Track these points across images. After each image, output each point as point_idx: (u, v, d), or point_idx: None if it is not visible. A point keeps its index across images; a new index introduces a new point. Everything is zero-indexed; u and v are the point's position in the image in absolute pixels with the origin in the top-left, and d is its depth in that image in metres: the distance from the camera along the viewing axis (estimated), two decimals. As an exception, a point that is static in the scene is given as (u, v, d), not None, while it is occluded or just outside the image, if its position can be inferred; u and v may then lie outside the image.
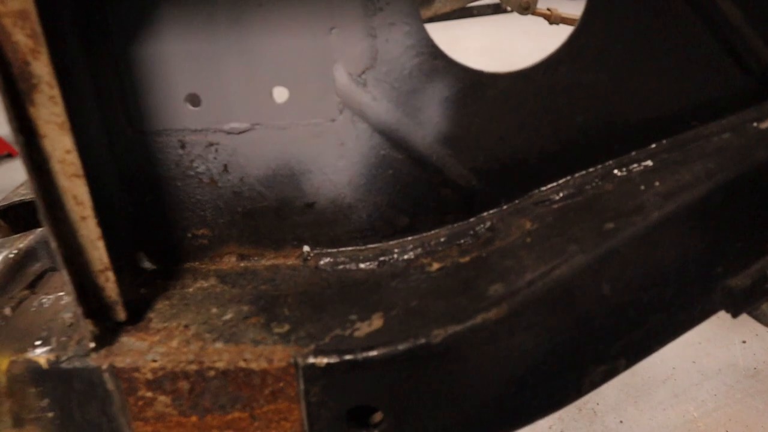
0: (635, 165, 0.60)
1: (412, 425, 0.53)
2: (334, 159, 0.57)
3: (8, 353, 0.53)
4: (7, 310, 0.57)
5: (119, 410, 0.53)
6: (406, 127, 0.56)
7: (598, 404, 1.97)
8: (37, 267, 0.61)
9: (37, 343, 0.53)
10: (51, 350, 0.52)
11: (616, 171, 0.60)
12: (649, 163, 0.60)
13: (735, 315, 0.61)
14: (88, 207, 0.48)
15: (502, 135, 0.58)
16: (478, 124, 0.57)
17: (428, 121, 0.56)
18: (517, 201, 0.60)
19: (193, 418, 0.53)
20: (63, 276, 0.48)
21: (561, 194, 0.60)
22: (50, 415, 0.53)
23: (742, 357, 2.09)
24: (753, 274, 0.61)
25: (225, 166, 0.57)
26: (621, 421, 1.92)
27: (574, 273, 0.52)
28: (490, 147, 0.58)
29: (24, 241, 0.62)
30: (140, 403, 0.52)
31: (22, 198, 0.73)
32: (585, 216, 0.56)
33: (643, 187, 0.58)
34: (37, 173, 0.45)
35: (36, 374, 0.52)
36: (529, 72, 0.55)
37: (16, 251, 0.61)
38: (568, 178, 0.60)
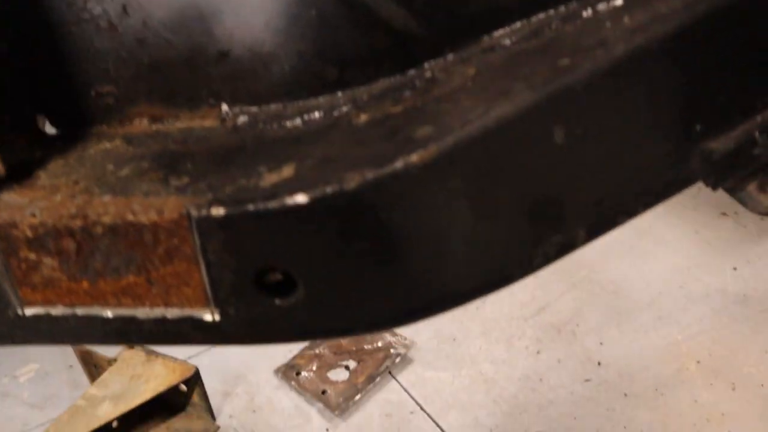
0: (602, 3, 0.51)
1: (329, 293, 0.46)
2: (247, -5, 0.49)
3: None
4: None
5: (1, 274, 0.47)
6: (328, -46, 0.48)
7: (578, 325, 1.92)
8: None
9: None
10: None
11: (581, 11, 0.51)
12: (619, 1, 0.51)
13: (714, 186, 0.53)
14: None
15: (441, -35, 0.49)
16: (413, -49, 0.48)
17: (355, -52, 0.48)
18: (463, 49, 0.52)
19: (84, 284, 0.47)
20: None
21: (514, 39, 0.51)
22: (-71, 282, 0.48)
23: (732, 283, 2.01)
24: (738, 137, 0.52)
25: (124, 6, 0.50)
26: (601, 343, 1.86)
27: (518, 112, 0.44)
28: (429, -19, 0.50)
29: None
30: (23, 266, 0.46)
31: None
32: (538, 57, 0.48)
33: (609, 24, 0.49)
34: None
35: None
36: None
37: None
38: (524, 21, 0.52)
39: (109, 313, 0.48)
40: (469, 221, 0.46)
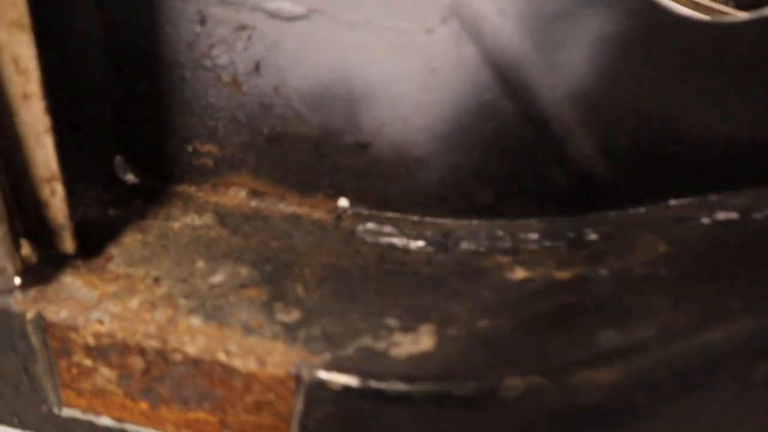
0: (829, 196, 0.42)
1: (439, 487, 0.38)
2: (416, 89, 0.39)
3: None
4: None
5: (44, 373, 0.38)
6: (533, 66, 0.38)
7: None
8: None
9: (-52, 256, 0.37)
10: (-38, 272, 0.37)
11: (798, 198, 0.42)
12: None
13: None
14: (35, 80, 0.31)
15: (663, 111, 0.39)
16: (636, 88, 0.38)
17: (566, 67, 0.38)
18: (648, 209, 0.43)
19: (143, 405, 0.38)
20: (-19, 178, 0.32)
21: (715, 216, 0.42)
22: (-47, 354, 0.39)
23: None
24: None
25: (257, 64, 0.39)
26: None
27: (730, 343, 0.35)
28: (639, 125, 0.40)
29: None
30: (74, 370, 0.37)
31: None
32: (754, 258, 0.39)
33: (842, 232, 0.40)
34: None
35: (-64, 301, 0.37)
36: (739, 27, 0.36)
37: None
38: (727, 194, 0.42)
39: (163, 442, 0.39)
40: (623, 438, 0.37)
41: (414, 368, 0.34)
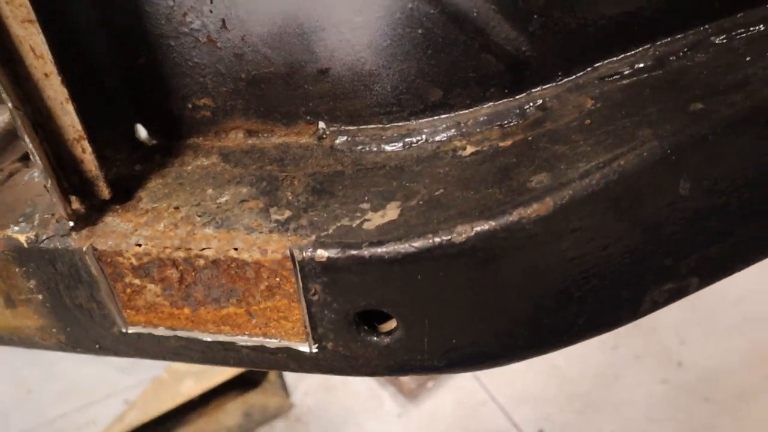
0: (741, 31, 0.46)
1: (430, 336, 0.45)
2: (350, 13, 0.46)
3: (-11, 228, 0.48)
4: (-5, 182, 0.52)
5: (107, 296, 0.48)
6: (441, -28, 0.44)
7: (658, 322, 1.83)
8: (29, 137, 0.56)
9: (20, 219, 0.48)
10: (32, 228, 0.47)
11: (713, 38, 0.47)
12: (762, 27, 0.46)
13: None
14: (49, 62, 0.40)
15: (566, -15, 0.45)
16: (535, -30, 0.44)
17: (470, -34, 0.44)
18: (578, 75, 0.48)
19: (186, 311, 0.47)
20: (25, 143, 0.41)
21: (635, 67, 0.47)
22: (40, 297, 0.49)
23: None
24: None
25: (223, 20, 0.48)
26: (682, 342, 1.78)
27: (643, 165, 0.40)
28: (548, 1, 0.45)
29: (17, 107, 0.56)
30: (129, 290, 0.47)
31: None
32: (665, 94, 0.44)
33: (748, 58, 0.44)
34: (-19, 17, 0.38)
35: (18, 253, 0.47)
36: None
37: (8, 120, 0.56)
38: (648, 46, 0.47)
39: (208, 338, 0.49)
40: (577, 268, 0.44)
41: (381, 235, 0.42)
